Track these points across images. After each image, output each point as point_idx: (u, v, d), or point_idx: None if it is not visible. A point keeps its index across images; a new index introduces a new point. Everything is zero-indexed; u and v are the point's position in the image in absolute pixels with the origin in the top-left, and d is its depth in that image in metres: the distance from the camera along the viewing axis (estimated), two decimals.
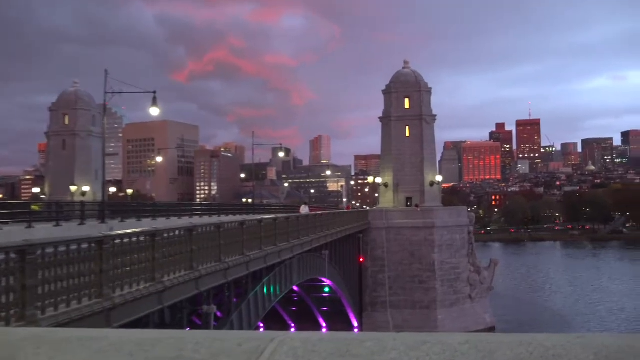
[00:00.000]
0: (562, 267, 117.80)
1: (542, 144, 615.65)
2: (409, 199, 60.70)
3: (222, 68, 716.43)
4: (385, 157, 62.39)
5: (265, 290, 25.32)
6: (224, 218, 35.17)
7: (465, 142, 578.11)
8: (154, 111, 28.33)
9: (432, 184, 60.28)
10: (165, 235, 15.01)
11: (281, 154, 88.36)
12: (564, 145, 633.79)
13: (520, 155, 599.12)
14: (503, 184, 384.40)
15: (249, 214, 49.94)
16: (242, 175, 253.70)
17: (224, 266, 18.61)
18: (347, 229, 44.42)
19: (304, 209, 41.56)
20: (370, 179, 71.83)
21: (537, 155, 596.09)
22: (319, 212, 39.38)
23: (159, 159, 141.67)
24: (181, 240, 15.91)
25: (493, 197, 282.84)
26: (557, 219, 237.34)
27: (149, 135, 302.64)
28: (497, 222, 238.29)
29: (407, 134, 61.00)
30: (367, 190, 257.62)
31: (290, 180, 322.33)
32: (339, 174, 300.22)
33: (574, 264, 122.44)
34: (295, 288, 36.74)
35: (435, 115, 62.39)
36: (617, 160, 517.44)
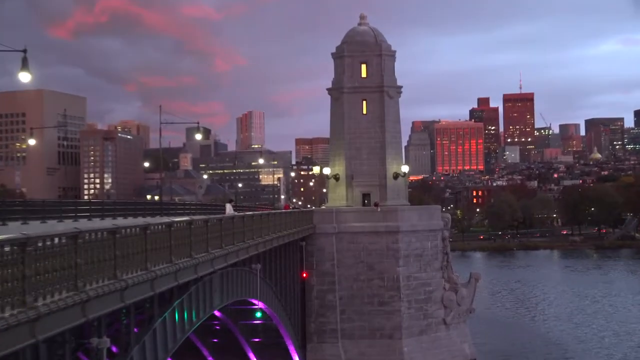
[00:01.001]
0: (559, 282, 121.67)
1: (536, 125, 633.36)
2: (366, 196, 61.36)
3: (120, 21, 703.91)
4: (336, 141, 62.77)
5: (176, 317, 25.14)
6: (120, 221, 34.65)
7: (438, 121, 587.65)
8: (25, 77, 27.50)
9: (396, 176, 61.11)
10: (41, 244, 14.69)
11: (198, 136, 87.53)
12: (563, 127, 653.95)
13: (509, 140, 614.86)
14: (487, 177, 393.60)
15: (155, 215, 49.39)
16: (146, 164, 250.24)
17: (120, 285, 18.37)
18: (286, 234, 44.53)
19: (229, 209, 41.43)
20: (315, 170, 71.91)
21: (529, 139, 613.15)
22: (249, 213, 39.32)
23: (32, 142, 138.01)
24: (62, 251, 15.61)
25: (474, 194, 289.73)
26: (554, 221, 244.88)
27: (17, 110, 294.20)
28: (479, 225, 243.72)
29: (364, 111, 61.57)
30: (311, 184, 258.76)
31: (211, 171, 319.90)
32: (276, 162, 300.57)
33: (575, 278, 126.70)
34: (217, 313, 36.56)
35: (401, 87, 63.17)
36: (629, 147, 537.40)
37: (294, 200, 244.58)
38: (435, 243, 57.05)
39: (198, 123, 66.62)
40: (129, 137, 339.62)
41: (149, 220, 27.88)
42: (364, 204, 60.72)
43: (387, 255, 54.63)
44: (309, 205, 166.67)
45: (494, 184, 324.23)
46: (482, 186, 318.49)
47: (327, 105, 63.47)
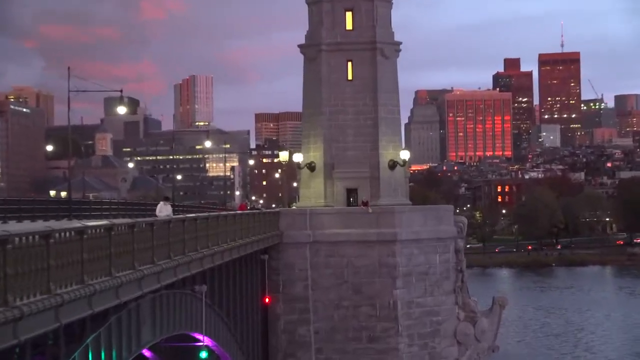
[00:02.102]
0: (612, 309, 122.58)
1: (583, 97, 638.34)
2: (351, 192, 61.26)
3: None
4: (311, 117, 62.66)
5: (90, 358, 25.03)
6: (13, 226, 34.38)
7: (451, 91, 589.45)
8: None
9: (393, 164, 61.11)
10: None
11: (122, 110, 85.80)
12: (619, 100, 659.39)
13: (546, 116, 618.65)
14: (516, 167, 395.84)
15: (61, 218, 49.09)
16: (49, 148, 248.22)
17: (13, 314, 18.23)
18: (242, 245, 44.49)
19: (164, 209, 41.24)
20: (283, 157, 71.48)
21: (573, 116, 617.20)
22: (191, 215, 39.22)
23: None
24: None
25: (499, 189, 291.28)
26: (607, 227, 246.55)
27: None
28: (505, 231, 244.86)
29: (350, 76, 61.48)
30: (277, 176, 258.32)
31: (140, 158, 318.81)
32: (228, 146, 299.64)
33: (632, 304, 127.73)
34: (146, 353, 36.41)
35: (400, 44, 63.13)
36: None
37: (254, 197, 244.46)
38: (446, 257, 57.22)
39: (121, 91, 66.11)
40: (25, 110, 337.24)
41: (53, 225, 27.58)
42: (349, 203, 60.68)
43: (381, 274, 54.67)
44: (273, 205, 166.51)
45: (526, 177, 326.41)
46: (509, 179, 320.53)
47: (298, 68, 63.39)
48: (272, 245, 53.54)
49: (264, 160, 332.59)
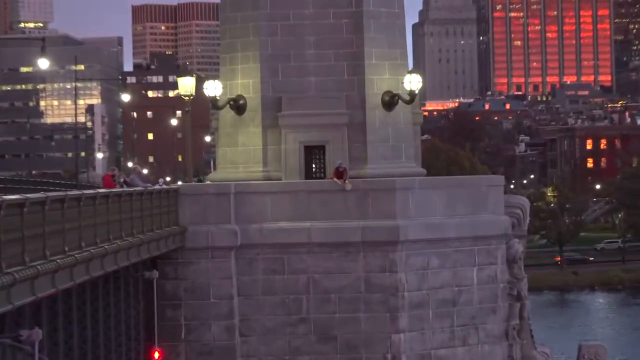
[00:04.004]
0: None
1: None
2: (314, 153, 61.47)
3: None
4: (237, 12, 62.82)
5: None
6: None
7: None
8: None
9: (391, 101, 61.26)
10: None
11: None
12: None
13: None
14: (621, 104, 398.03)
15: None
16: None
17: None
18: (109, 254, 44.43)
19: None
20: (185, 87, 69.37)
21: None
22: (12, 197, 39.13)
23: None
24: None
25: (589, 146, 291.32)
26: None
27: None
28: (602, 226, 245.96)
29: None
30: (175, 123, 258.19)
31: None
32: (82, 68, 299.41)
33: None
34: None
35: None
36: None
37: (132, 164, 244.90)
38: (491, 271, 57.71)
39: None
40: None
41: None
42: (309, 174, 60.89)
43: (370, 304, 55.04)
44: (167, 178, 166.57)
45: (639, 122, 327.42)
46: (608, 127, 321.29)
47: None
48: (167, 252, 53.67)
49: (150, 93, 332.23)
